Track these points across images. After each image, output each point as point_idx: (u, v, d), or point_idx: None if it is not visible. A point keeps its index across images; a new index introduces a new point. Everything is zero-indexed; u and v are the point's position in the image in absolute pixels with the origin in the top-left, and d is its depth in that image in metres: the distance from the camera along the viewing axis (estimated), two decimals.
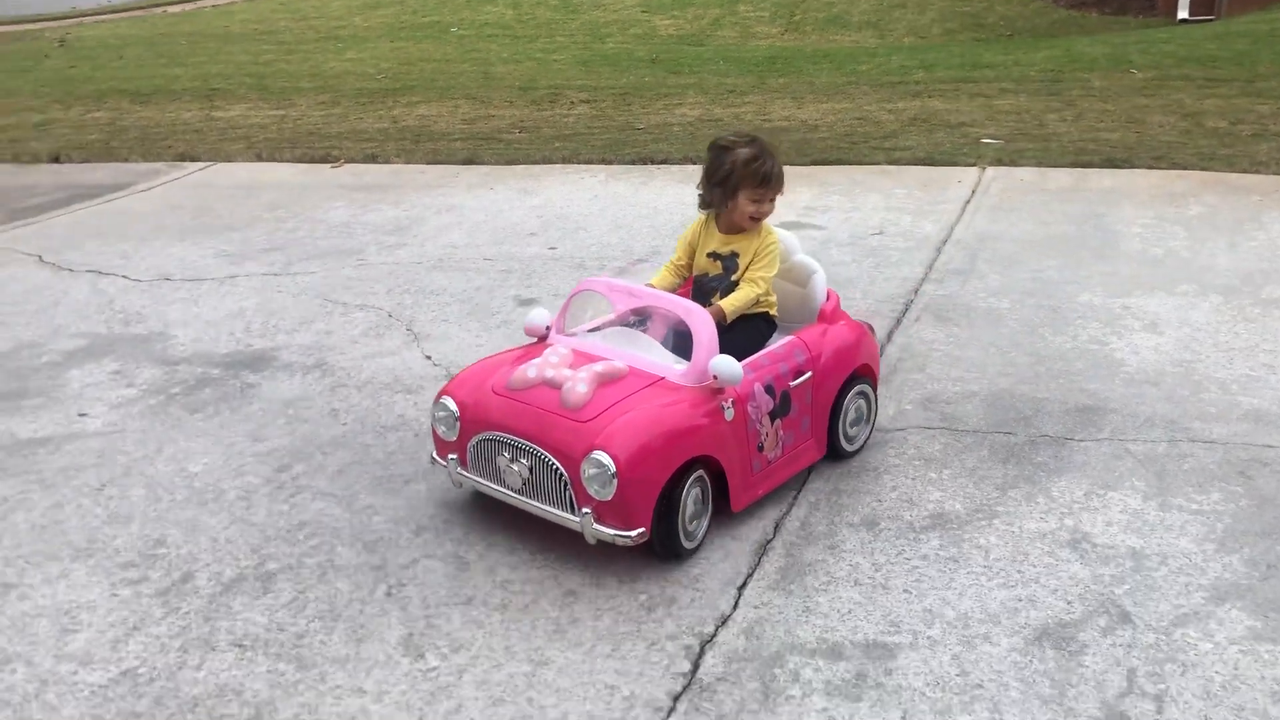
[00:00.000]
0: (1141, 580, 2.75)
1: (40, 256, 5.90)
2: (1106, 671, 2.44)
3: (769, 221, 3.31)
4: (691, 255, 3.36)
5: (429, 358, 4.25)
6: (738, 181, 3.17)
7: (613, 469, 2.66)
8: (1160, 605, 2.65)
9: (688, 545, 2.85)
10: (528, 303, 4.81)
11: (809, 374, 3.18)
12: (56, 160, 8.61)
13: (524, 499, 2.86)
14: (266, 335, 4.57)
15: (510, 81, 11.34)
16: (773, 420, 3.06)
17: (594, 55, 13.33)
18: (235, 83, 11.99)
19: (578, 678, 2.44)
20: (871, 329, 3.51)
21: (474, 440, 2.92)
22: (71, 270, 5.62)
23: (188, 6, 21.52)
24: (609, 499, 2.69)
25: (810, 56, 12.57)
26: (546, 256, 5.46)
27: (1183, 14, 13.55)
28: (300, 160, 8.08)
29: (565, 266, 5.28)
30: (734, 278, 3.26)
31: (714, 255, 3.29)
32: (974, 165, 6.85)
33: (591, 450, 2.69)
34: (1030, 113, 8.44)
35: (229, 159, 8.25)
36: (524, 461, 2.82)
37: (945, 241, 5.43)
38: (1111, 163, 6.74)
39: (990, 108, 8.75)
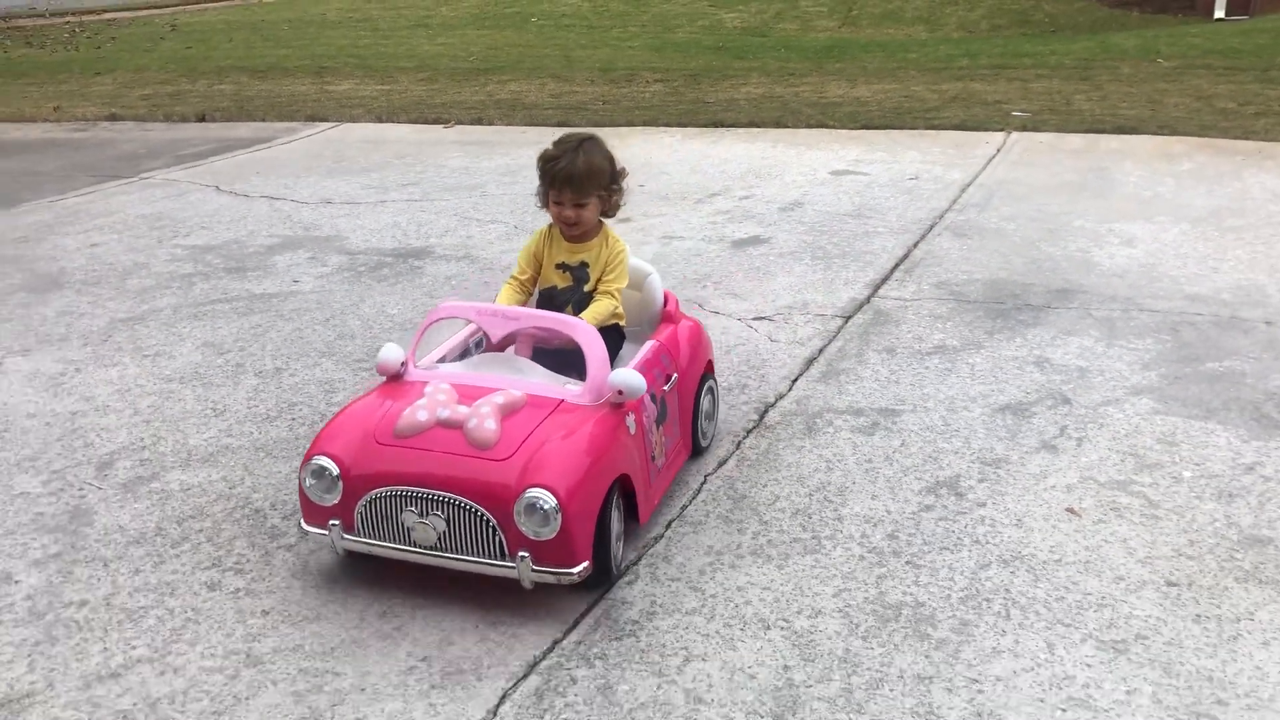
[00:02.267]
0: (1082, 383, 3.85)
1: (217, 186, 7.17)
2: (1046, 426, 3.55)
3: (614, 227, 3.24)
4: (536, 268, 3.18)
5: None
6: (540, 181, 3.08)
7: (554, 505, 2.49)
8: (1092, 395, 3.76)
9: (615, 569, 2.78)
10: (624, 220, 5.97)
11: (675, 376, 3.18)
12: (202, 119, 9.94)
13: (439, 555, 2.61)
14: (420, 238, 5.79)
15: (589, 64, 12.51)
16: (657, 427, 3.02)
17: (665, 43, 14.50)
18: (340, 62, 13.29)
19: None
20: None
21: (366, 499, 2.61)
22: (247, 196, 6.88)
23: None
24: (550, 537, 2.52)
25: (865, 46, 13.64)
26: (637, 190, 6.62)
27: (1219, 13, 14.43)
28: (415, 122, 9.34)
29: (653, 198, 6.45)
30: (586, 288, 3.11)
31: (563, 266, 3.12)
32: (1002, 131, 7.92)
33: (525, 489, 2.51)
34: (1060, 93, 9.46)
35: (353, 120, 9.52)
36: (438, 514, 2.55)
37: (969, 185, 6.51)
38: (1121, 130, 7.78)
39: (1025, 89, 9.78)
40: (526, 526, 2.52)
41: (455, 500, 2.55)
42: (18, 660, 2.53)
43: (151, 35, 17.34)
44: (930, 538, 2.96)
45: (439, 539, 2.59)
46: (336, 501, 2.64)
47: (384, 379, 2.89)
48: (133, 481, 3.31)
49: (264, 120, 9.74)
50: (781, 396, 3.80)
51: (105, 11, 21.37)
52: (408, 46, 14.66)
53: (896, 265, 5.12)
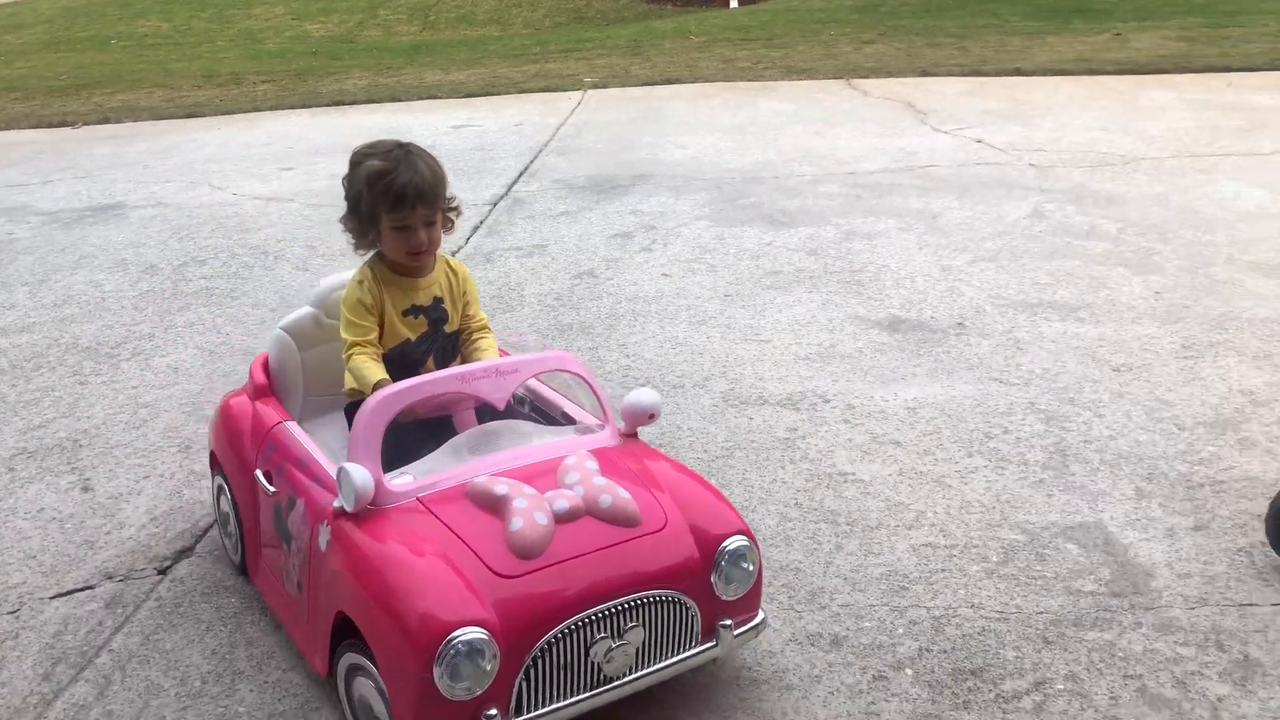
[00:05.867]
0: (663, 218, 5.58)
1: None
2: (644, 240, 5.22)
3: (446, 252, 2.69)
4: (380, 323, 2.50)
5: (234, 194, 6.48)
6: (371, 205, 2.43)
7: (749, 545, 2.17)
8: (670, 223, 5.49)
9: None
10: (288, 169, 7.08)
11: None
12: None
13: (632, 678, 2.08)
14: (108, 198, 6.57)
15: (190, 74, 13.06)
16: None
17: (258, 53, 15.24)
18: None
19: None
20: None
21: (533, 655, 1.96)
22: None
23: None
24: (749, 588, 2.19)
25: (448, 44, 15.19)
26: (281, 150, 7.74)
27: (734, 4, 17.41)
28: (38, 126, 9.68)
29: (306, 153, 7.58)
30: (448, 329, 2.57)
31: (415, 311, 2.52)
32: (579, 91, 9.75)
33: (721, 542, 2.13)
34: (619, 65, 11.49)
35: None
36: (636, 624, 2.05)
37: (561, 125, 8.22)
38: (669, 83, 9.86)
39: (590, 65, 11.74)
40: (728, 586, 2.15)
41: (656, 597, 2.06)
42: None
43: None
44: (582, 297, 4.51)
45: (636, 658, 2.07)
46: (493, 681, 1.92)
47: (352, 512, 2.11)
48: None
49: None
50: (462, 246, 5.21)
51: None
52: None
53: (521, 174, 6.68)
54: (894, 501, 2.99)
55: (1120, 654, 2.38)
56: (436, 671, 1.87)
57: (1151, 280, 4.52)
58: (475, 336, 2.63)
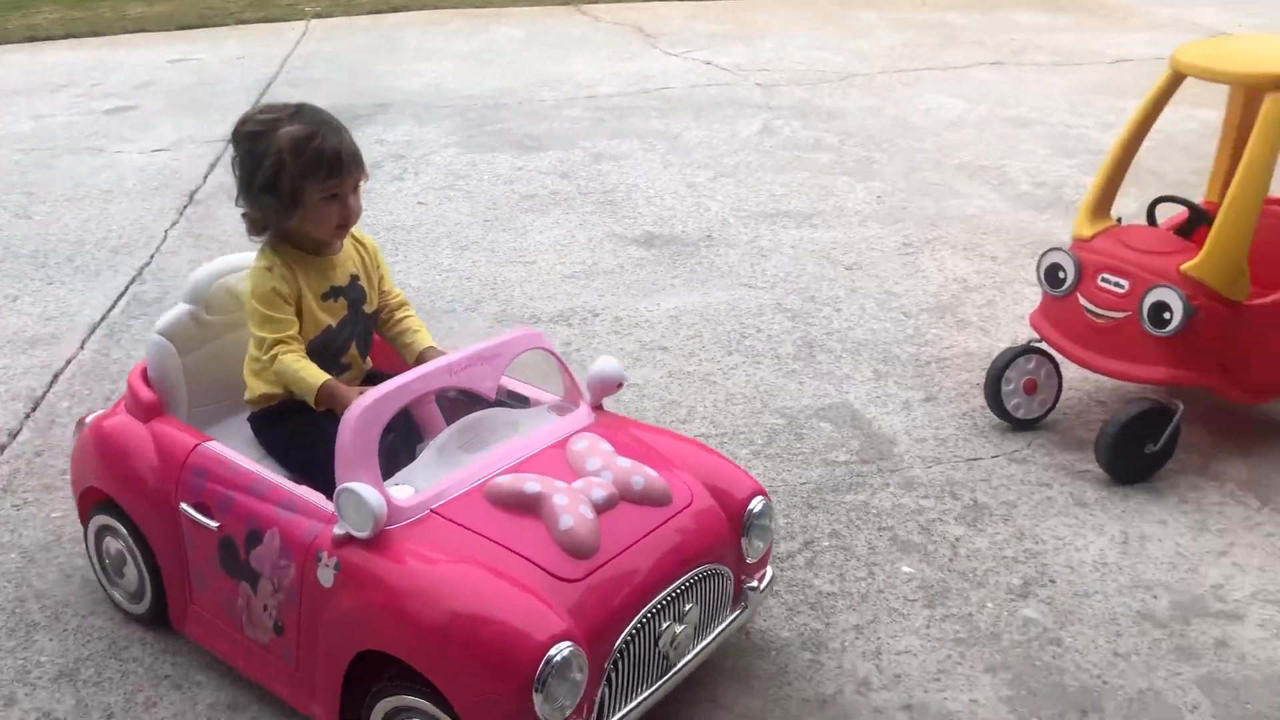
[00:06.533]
0: (411, 147, 5.55)
1: None
2: (394, 169, 5.19)
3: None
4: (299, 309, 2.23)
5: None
6: (297, 178, 2.15)
7: (768, 502, 2.17)
8: (419, 151, 5.47)
9: None
10: (83, 103, 6.50)
11: None
12: None
13: (689, 659, 2.02)
14: None
15: None
16: None
17: None
18: None
19: None
20: None
21: (615, 655, 1.88)
22: None
23: None
24: (767, 545, 2.18)
25: None
26: (72, 85, 7.11)
27: None
28: None
29: (77, 96, 6.98)
30: (368, 310, 2.34)
31: (334, 293, 2.27)
32: (302, 20, 9.38)
33: (745, 506, 2.11)
34: None
35: None
36: (693, 603, 2.01)
37: (289, 57, 7.91)
38: (397, 10, 9.65)
39: None
40: (752, 548, 2.14)
41: (704, 573, 2.02)
42: None
43: None
44: None
45: (694, 636, 2.04)
46: (583, 693, 1.82)
47: (365, 538, 1.89)
48: None
49: None
50: (201, 185, 5.01)
51: None
52: None
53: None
54: (667, 400, 3.22)
55: (873, 511, 2.71)
56: (537, 700, 1.73)
57: (873, 186, 4.95)
58: (398, 316, 2.40)
